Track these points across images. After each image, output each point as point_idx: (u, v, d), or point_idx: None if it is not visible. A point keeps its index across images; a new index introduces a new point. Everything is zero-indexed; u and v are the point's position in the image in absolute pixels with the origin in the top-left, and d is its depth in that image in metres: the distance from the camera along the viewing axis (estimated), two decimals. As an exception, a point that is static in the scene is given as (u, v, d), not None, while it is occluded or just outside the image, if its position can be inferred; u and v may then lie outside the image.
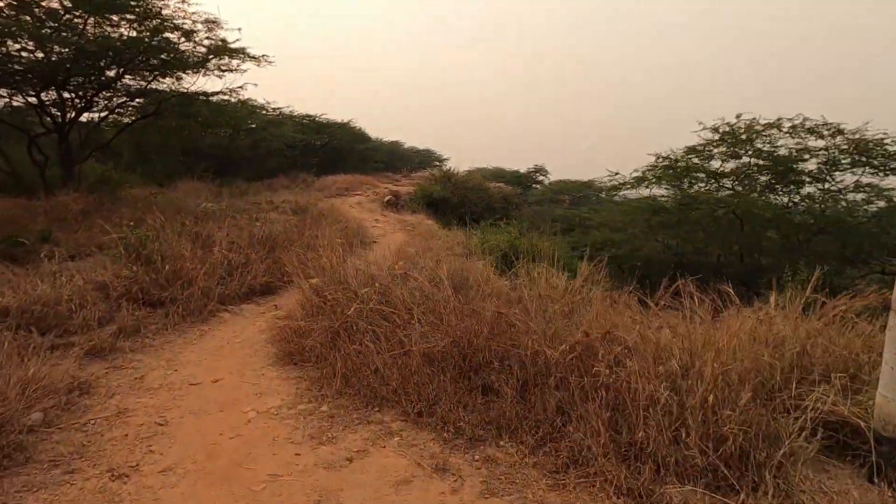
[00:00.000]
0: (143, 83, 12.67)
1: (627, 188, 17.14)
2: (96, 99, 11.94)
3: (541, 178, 29.03)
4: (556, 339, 3.55)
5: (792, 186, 13.27)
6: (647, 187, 16.08)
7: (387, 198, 18.94)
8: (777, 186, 13.23)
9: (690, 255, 13.80)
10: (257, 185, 18.76)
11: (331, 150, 25.69)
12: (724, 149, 12.86)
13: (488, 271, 5.40)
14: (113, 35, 9.80)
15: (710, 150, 12.80)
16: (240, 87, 12.85)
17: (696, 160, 13.12)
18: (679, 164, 13.48)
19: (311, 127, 24.47)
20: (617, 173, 17.07)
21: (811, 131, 12.50)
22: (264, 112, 22.26)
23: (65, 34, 9.43)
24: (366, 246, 10.43)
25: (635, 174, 16.40)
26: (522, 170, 29.16)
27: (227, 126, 20.61)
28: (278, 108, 23.18)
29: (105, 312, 4.83)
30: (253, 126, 20.96)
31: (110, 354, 4.18)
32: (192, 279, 5.52)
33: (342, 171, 23.18)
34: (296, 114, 24.00)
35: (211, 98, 12.77)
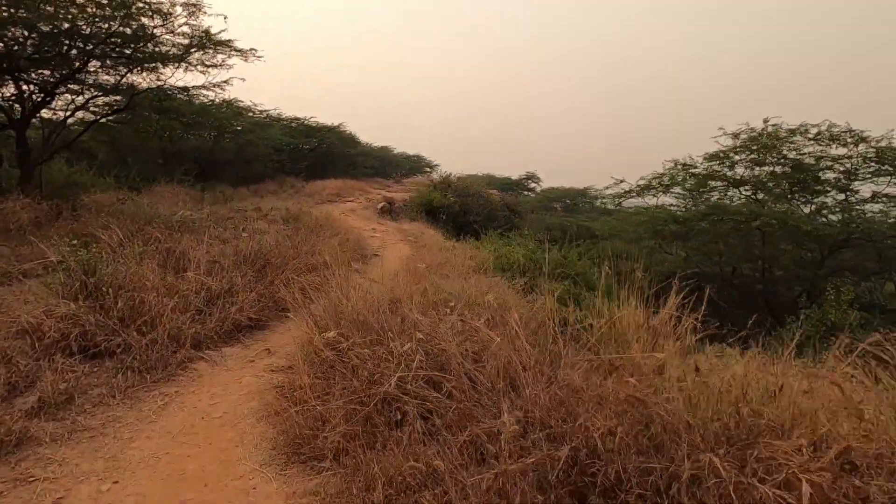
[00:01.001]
0: (118, 76, 11.00)
1: (633, 196, 16.02)
2: (60, 92, 10.22)
3: (532, 185, 27.77)
4: (727, 442, 2.13)
5: (808, 196, 12.18)
6: (654, 196, 14.95)
7: (381, 204, 17.44)
8: (794, 195, 12.12)
9: (706, 267, 12.59)
10: (243, 190, 17.09)
11: (319, 154, 24.04)
12: (747, 155, 11.69)
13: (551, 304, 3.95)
14: (73, 11, 8.14)
15: (732, 157, 11.59)
16: (224, 82, 11.19)
17: (716, 167, 11.92)
18: (693, 170, 12.27)
19: (300, 130, 22.80)
20: (622, 180, 15.92)
21: (833, 138, 11.41)
22: (251, 114, 20.56)
23: (15, 10, 7.77)
24: (367, 260, 8.92)
25: (641, 182, 15.28)
26: (514, 176, 27.86)
27: (211, 128, 18.93)
28: (265, 111, 21.49)
29: (26, 371, 3.26)
30: (239, 128, 19.25)
31: (16, 451, 2.62)
32: (157, 317, 3.96)
33: (331, 176, 21.60)
34: (283, 116, 22.32)
35: (191, 94, 11.10)
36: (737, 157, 11.49)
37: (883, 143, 11.26)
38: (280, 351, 4.30)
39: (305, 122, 23.07)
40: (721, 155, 11.53)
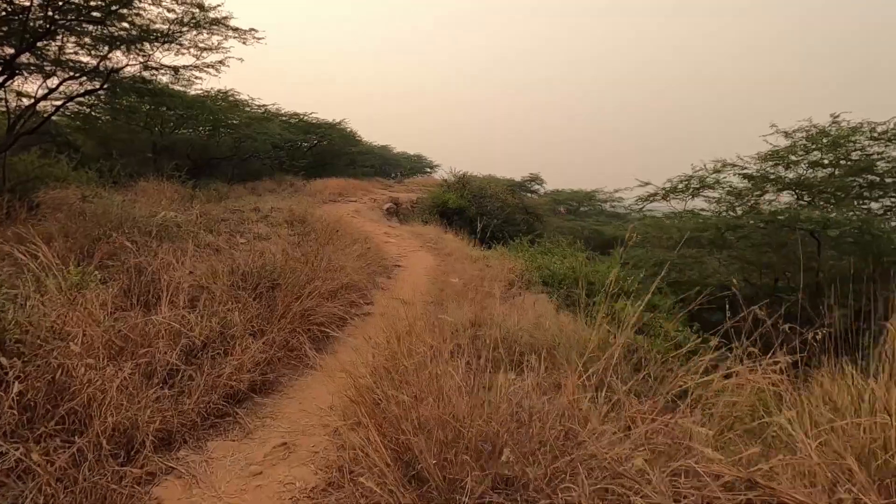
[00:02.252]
0: (98, 56, 9.16)
1: (657, 199, 14.49)
2: (20, 69, 8.35)
3: (536, 186, 26.09)
4: None
5: (860, 201, 10.65)
6: (682, 200, 13.42)
7: (387, 205, 15.71)
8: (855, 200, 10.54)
9: (753, 279, 11.01)
10: (239, 188, 15.19)
11: (319, 152, 22.16)
12: (801, 156, 10.09)
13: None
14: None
15: (789, 157, 9.97)
16: (220, 62, 9.36)
17: (770, 168, 10.30)
18: (744, 170, 10.64)
19: (300, 126, 20.87)
20: (648, 182, 14.36)
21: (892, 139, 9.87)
22: (248, 108, 18.60)
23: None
24: (390, 272, 7.18)
25: (667, 185, 13.74)
26: (517, 178, 26.14)
27: (206, 121, 17.00)
28: (263, 105, 19.53)
29: None
30: (235, 122, 17.33)
31: None
32: (94, 400, 2.20)
33: (331, 174, 19.77)
34: (283, 111, 20.38)
35: (180, 75, 9.26)
36: (793, 158, 9.89)
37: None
38: (303, 444, 2.56)
39: (305, 117, 21.16)
40: (780, 154, 9.93)
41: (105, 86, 8.51)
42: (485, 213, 12.68)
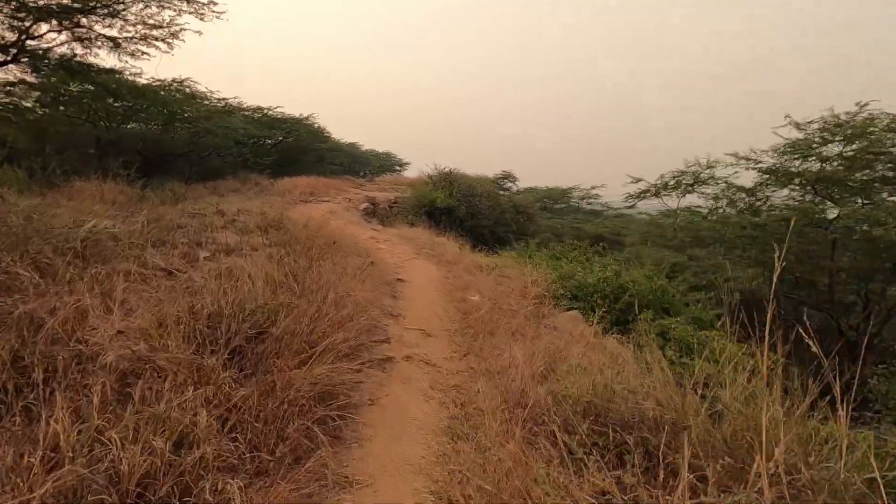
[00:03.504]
0: (19, 28, 7.20)
1: (648, 196, 13.53)
2: None
3: (509, 184, 24.86)
4: None
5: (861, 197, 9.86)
6: (678, 197, 12.47)
7: (363, 205, 14.05)
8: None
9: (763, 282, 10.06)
10: (199, 187, 13.15)
11: (285, 148, 20.09)
12: (814, 148, 9.14)
13: None
14: None
15: (811, 150, 8.98)
16: (173, 35, 7.53)
17: (787, 161, 9.31)
18: (757, 165, 9.62)
19: (264, 122, 18.77)
20: (640, 179, 13.36)
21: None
22: (206, 101, 16.33)
23: None
24: (394, 290, 5.63)
25: (658, 182, 12.79)
26: (489, 175, 24.82)
27: (159, 115, 14.71)
28: (224, 98, 17.29)
29: None
30: (193, 115, 15.11)
31: None
32: None
33: (296, 172, 17.81)
34: (245, 105, 18.21)
35: (122, 47, 7.39)
36: (815, 149, 8.92)
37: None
38: None
39: (269, 112, 19.06)
40: (800, 147, 8.94)
41: (17, 58, 6.55)
42: (476, 213, 11.25)
